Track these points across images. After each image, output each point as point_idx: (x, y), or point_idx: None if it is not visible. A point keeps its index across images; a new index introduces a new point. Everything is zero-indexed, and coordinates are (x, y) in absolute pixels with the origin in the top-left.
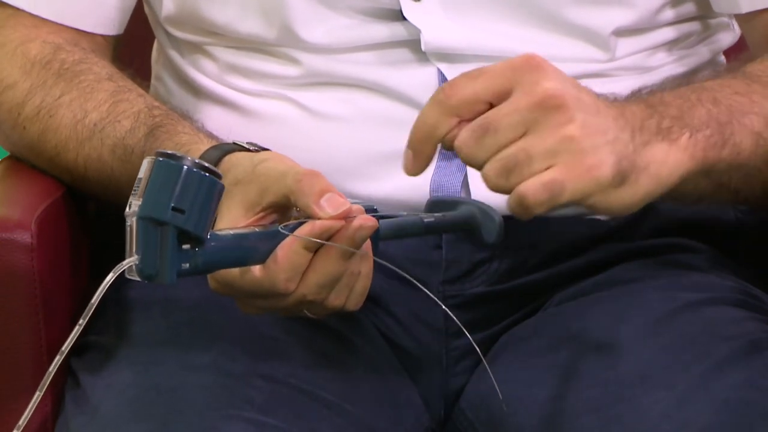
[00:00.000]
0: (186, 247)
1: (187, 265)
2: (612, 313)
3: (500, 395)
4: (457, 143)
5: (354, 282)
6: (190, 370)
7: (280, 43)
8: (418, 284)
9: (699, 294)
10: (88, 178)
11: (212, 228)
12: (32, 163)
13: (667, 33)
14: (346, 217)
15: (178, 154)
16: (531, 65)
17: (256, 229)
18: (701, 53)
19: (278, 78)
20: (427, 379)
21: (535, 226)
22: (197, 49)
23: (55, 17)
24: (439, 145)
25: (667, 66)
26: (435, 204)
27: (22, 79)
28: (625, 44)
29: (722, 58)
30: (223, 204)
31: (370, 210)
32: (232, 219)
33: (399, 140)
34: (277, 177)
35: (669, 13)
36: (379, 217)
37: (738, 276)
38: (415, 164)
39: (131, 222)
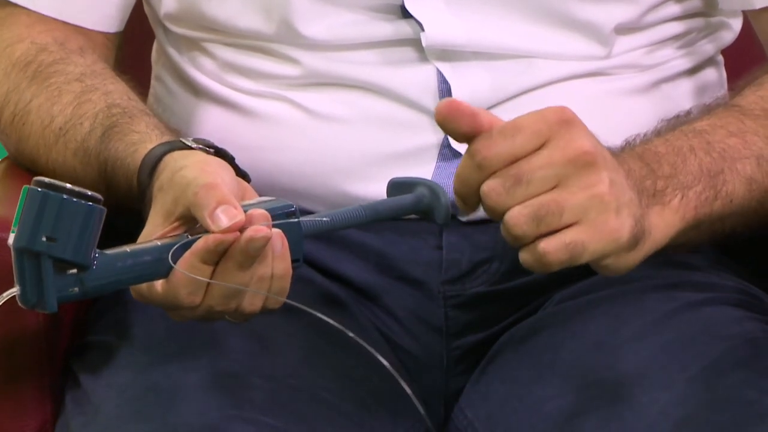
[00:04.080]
0: (72, 271)
1: (76, 289)
2: (611, 312)
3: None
4: (485, 189)
5: (267, 285)
6: (190, 370)
7: (280, 40)
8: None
9: (699, 294)
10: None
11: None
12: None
13: (667, 30)
14: (241, 228)
15: (57, 183)
16: (564, 120)
17: (158, 243)
18: (700, 51)
19: (278, 78)
20: (427, 379)
21: None
22: (196, 46)
23: (53, 13)
24: (439, 147)
25: (666, 63)
26: (394, 186)
27: (2, 82)
28: (624, 41)
29: (720, 57)
30: (150, 212)
31: (284, 209)
32: (153, 226)
33: (397, 141)
34: (184, 188)
35: (670, 10)
36: (287, 212)
37: (738, 276)
38: (466, 209)
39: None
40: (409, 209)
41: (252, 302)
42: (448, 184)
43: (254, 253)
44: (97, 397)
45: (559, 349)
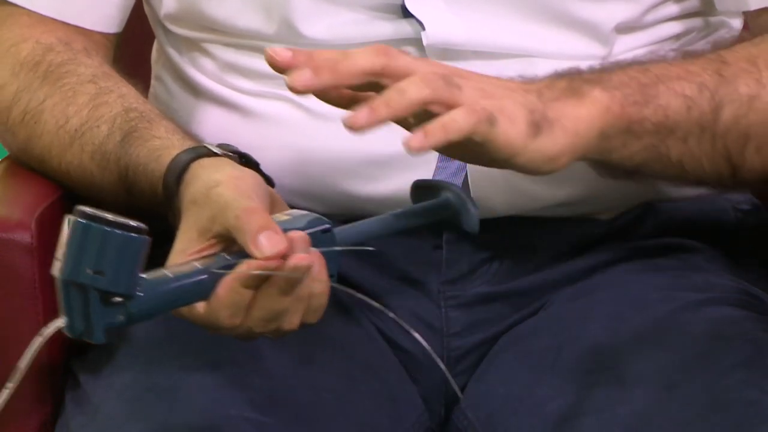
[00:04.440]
0: (117, 300)
1: (122, 317)
2: (612, 313)
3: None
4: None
5: (305, 305)
6: (190, 370)
7: (280, 40)
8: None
9: (699, 294)
10: (74, 184)
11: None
12: (27, 164)
13: (670, 28)
14: (284, 255)
15: (99, 214)
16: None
17: (197, 266)
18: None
19: (277, 78)
20: (427, 379)
21: (536, 227)
22: (196, 46)
23: (54, 14)
24: None
25: None
26: (418, 188)
27: (11, 81)
28: (628, 39)
29: None
30: (181, 223)
31: (321, 228)
32: (187, 241)
33: (398, 141)
34: (222, 208)
35: (670, 9)
36: (323, 231)
37: (738, 276)
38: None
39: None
40: (437, 216)
41: (290, 321)
42: None
43: (298, 281)
44: (97, 397)
45: (560, 350)
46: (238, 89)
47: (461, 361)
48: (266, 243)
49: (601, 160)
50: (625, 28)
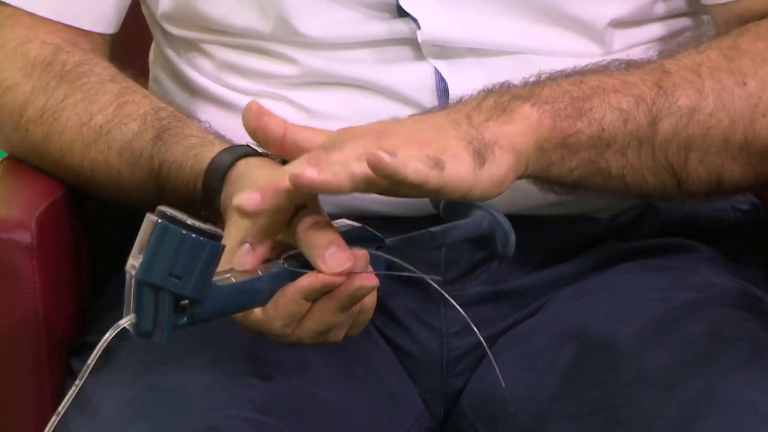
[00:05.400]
0: (185, 303)
1: (185, 319)
2: (612, 313)
3: (504, 386)
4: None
5: (353, 319)
6: (190, 370)
7: (276, 38)
8: (429, 280)
9: (699, 294)
10: (95, 181)
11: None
12: (35, 164)
13: (664, 26)
14: (349, 273)
15: (179, 216)
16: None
17: (259, 272)
18: None
19: (275, 77)
20: (427, 379)
21: (535, 226)
22: (193, 47)
23: (54, 15)
24: None
25: None
26: (449, 205)
27: (23, 80)
28: (622, 37)
29: None
30: (232, 222)
31: (376, 243)
32: (240, 243)
33: None
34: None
35: (664, 6)
36: (377, 246)
37: (738, 276)
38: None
39: (130, 277)
40: (473, 236)
41: (338, 334)
42: None
43: (359, 300)
44: (96, 397)
45: (560, 350)
46: (236, 89)
47: (461, 361)
48: (334, 260)
49: (540, 177)
50: (621, 25)
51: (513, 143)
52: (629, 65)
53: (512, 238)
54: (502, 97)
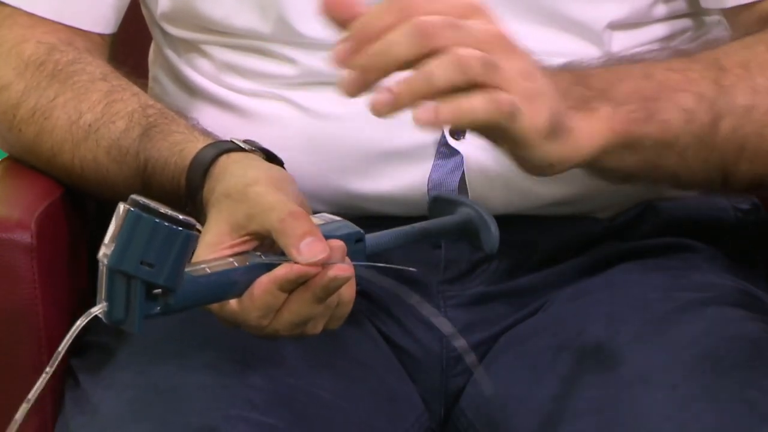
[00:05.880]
0: (157, 291)
1: (158, 308)
2: (612, 313)
3: (498, 392)
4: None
5: (331, 312)
6: (190, 370)
7: (276, 38)
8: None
9: (699, 294)
10: (85, 179)
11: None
12: (30, 164)
13: (663, 28)
14: (324, 263)
15: (152, 205)
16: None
17: (235, 263)
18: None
19: (275, 77)
20: (427, 379)
21: (535, 226)
22: (193, 47)
23: (52, 15)
24: (437, 144)
25: None
26: (436, 201)
27: (17, 80)
28: (621, 39)
29: None
30: (211, 215)
31: (354, 236)
32: (218, 235)
33: (395, 139)
34: (265, 209)
35: (662, 8)
36: (357, 239)
37: (738, 276)
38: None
39: (102, 266)
40: (458, 232)
41: (315, 326)
42: (446, 182)
43: (334, 290)
44: (96, 397)
45: (560, 350)
46: (235, 89)
47: (461, 361)
48: (309, 250)
49: (592, 167)
50: (618, 26)
51: (582, 141)
52: (685, 55)
53: (496, 235)
54: (586, 91)
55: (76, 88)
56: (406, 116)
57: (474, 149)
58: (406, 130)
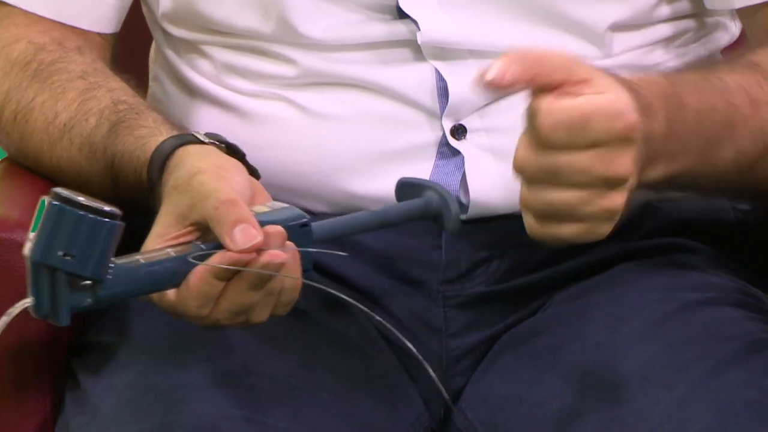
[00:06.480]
0: (86, 283)
1: (89, 300)
2: (612, 313)
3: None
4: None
5: (276, 299)
6: (190, 370)
7: (277, 39)
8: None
9: (699, 294)
10: (65, 178)
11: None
12: (27, 164)
13: (664, 30)
14: (258, 249)
15: (74, 197)
16: (625, 138)
17: (171, 253)
18: (698, 51)
19: (275, 78)
20: (426, 379)
21: None
22: (194, 48)
23: (50, 14)
24: (437, 145)
25: (664, 64)
26: (402, 187)
27: (2, 82)
28: (622, 40)
29: (720, 57)
30: (162, 207)
31: (298, 221)
32: (164, 227)
33: (396, 139)
34: (203, 197)
35: (664, 10)
36: (301, 225)
37: (738, 276)
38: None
39: (27, 260)
40: (419, 215)
41: (260, 314)
42: (447, 182)
43: (269, 277)
44: (96, 397)
45: (560, 350)
46: (236, 90)
47: (461, 361)
48: (241, 236)
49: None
50: (621, 28)
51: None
52: (736, 70)
53: (457, 215)
54: (669, 114)
55: (53, 88)
56: (406, 116)
57: (475, 149)
58: (408, 131)
